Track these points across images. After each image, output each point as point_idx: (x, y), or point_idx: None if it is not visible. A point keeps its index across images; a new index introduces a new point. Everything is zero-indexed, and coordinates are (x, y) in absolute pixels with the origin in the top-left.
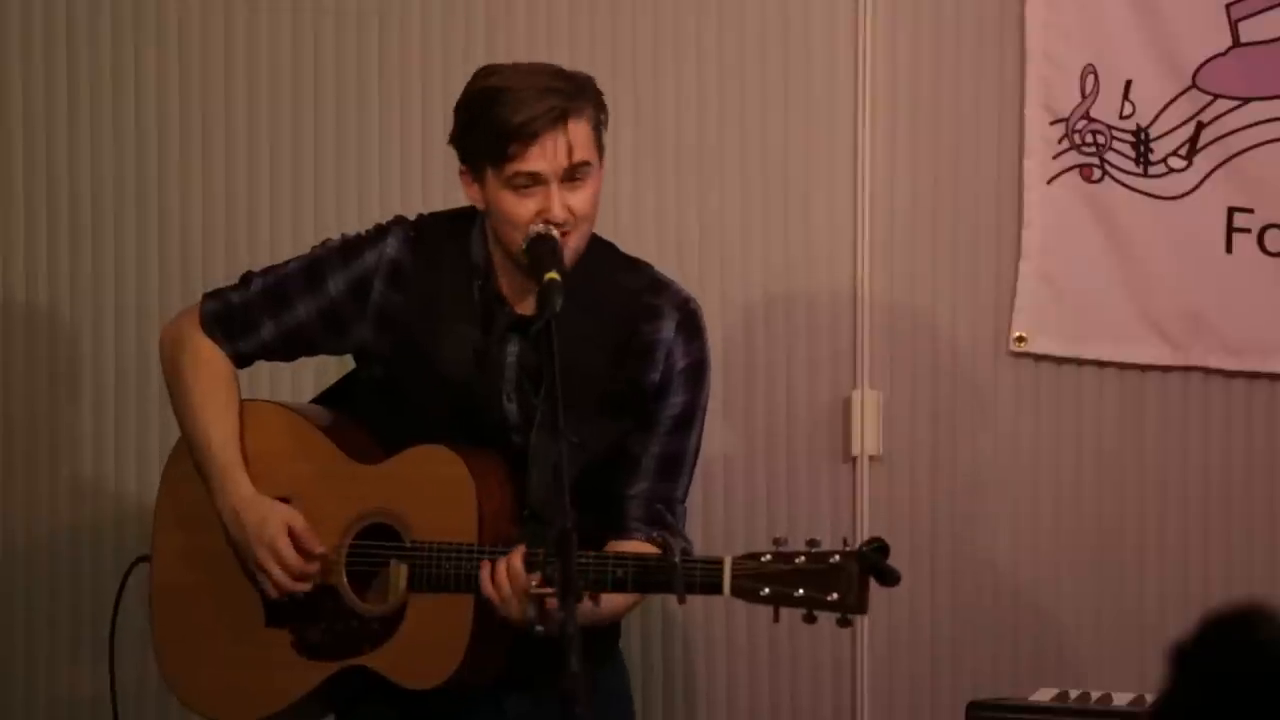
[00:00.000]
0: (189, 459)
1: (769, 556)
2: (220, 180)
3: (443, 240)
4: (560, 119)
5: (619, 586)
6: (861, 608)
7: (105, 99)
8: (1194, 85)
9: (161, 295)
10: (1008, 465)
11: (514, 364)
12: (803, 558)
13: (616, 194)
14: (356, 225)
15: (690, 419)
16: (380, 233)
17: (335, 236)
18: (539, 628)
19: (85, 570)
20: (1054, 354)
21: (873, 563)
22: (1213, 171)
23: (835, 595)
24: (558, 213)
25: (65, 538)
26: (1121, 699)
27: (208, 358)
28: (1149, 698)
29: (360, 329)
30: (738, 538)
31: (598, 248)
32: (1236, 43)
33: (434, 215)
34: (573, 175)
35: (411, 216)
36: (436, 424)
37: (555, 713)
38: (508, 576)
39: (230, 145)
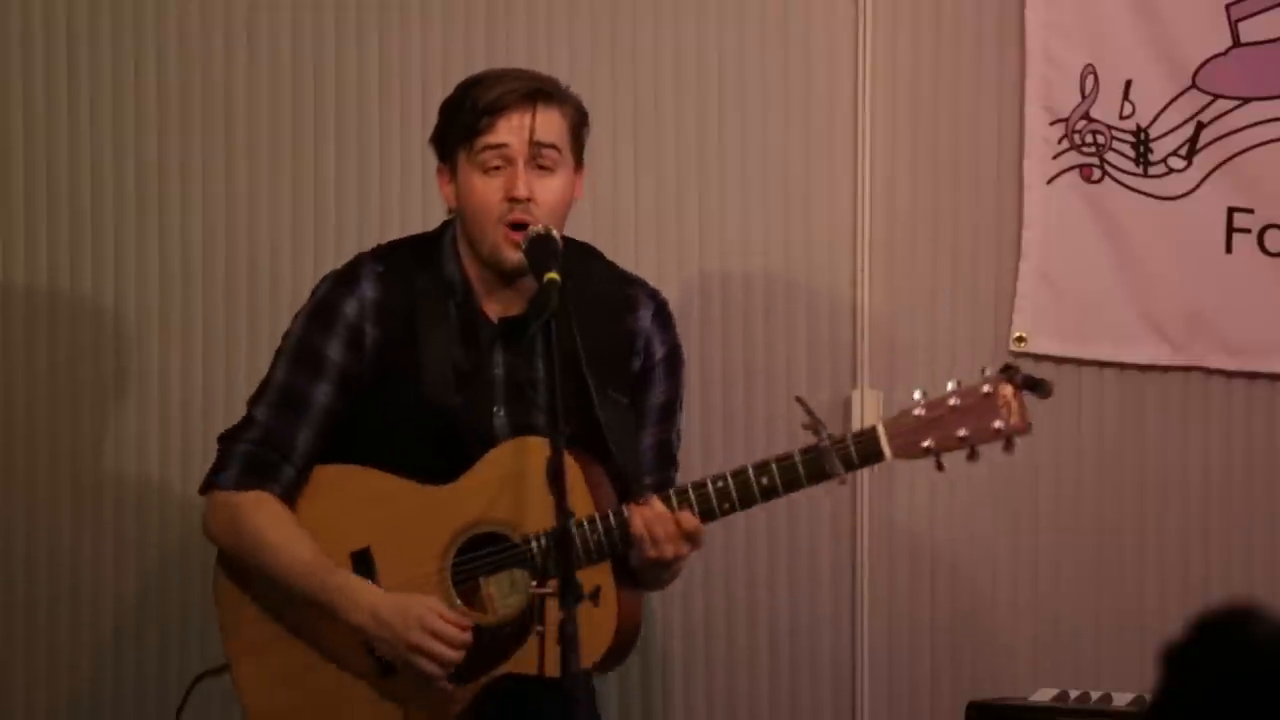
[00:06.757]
0: (238, 582)
1: (920, 410)
2: (220, 180)
3: (410, 268)
4: (529, 99)
5: (769, 495)
6: (1026, 427)
7: (105, 99)
8: (1194, 85)
9: (162, 295)
10: (1008, 465)
11: (503, 375)
12: (955, 399)
13: (616, 194)
14: (356, 225)
15: (675, 408)
16: (347, 281)
17: (285, 317)
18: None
19: (85, 574)
20: (1054, 354)
21: (1024, 377)
22: (1213, 171)
23: (999, 423)
24: (521, 189)
25: (66, 538)
26: (1121, 699)
27: (260, 507)
28: (1149, 698)
29: (367, 375)
30: (738, 536)
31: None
32: (1236, 43)
33: (393, 245)
34: (540, 158)
35: (387, 229)
36: (419, 450)
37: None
38: (657, 520)
39: (230, 145)
